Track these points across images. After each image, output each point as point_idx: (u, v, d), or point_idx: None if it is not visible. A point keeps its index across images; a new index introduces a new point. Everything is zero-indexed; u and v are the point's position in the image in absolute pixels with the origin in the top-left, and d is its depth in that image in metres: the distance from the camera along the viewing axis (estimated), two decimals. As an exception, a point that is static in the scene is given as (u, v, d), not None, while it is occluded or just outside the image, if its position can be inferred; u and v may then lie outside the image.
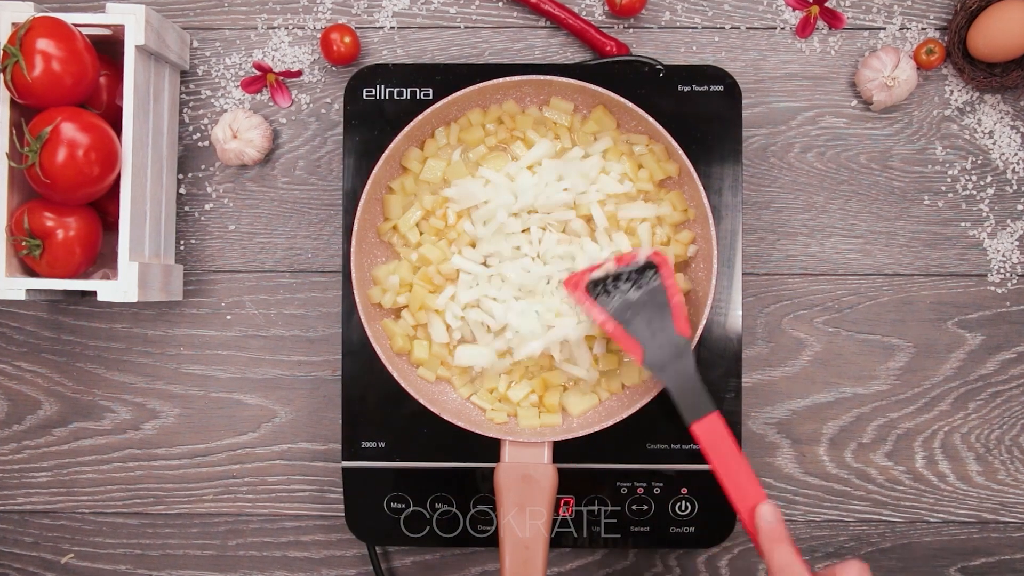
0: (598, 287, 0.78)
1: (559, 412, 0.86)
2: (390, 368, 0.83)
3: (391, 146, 0.84)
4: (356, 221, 0.84)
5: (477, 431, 0.84)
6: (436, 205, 0.86)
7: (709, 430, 0.72)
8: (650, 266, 0.78)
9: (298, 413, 0.96)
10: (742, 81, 0.91)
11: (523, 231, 0.85)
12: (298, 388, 0.96)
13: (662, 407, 0.83)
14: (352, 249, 0.84)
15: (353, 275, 0.84)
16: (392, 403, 0.87)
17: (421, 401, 0.83)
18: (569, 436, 0.84)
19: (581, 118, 0.88)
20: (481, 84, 0.85)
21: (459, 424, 0.84)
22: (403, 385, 0.83)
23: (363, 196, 0.84)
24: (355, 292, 0.84)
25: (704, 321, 0.83)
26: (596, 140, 0.87)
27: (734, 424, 0.88)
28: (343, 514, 0.91)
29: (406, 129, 0.84)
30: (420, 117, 0.84)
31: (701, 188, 0.84)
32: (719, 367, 0.88)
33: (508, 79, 0.85)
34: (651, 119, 0.84)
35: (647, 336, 0.76)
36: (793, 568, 0.67)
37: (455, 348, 0.86)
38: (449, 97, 0.84)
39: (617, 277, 0.79)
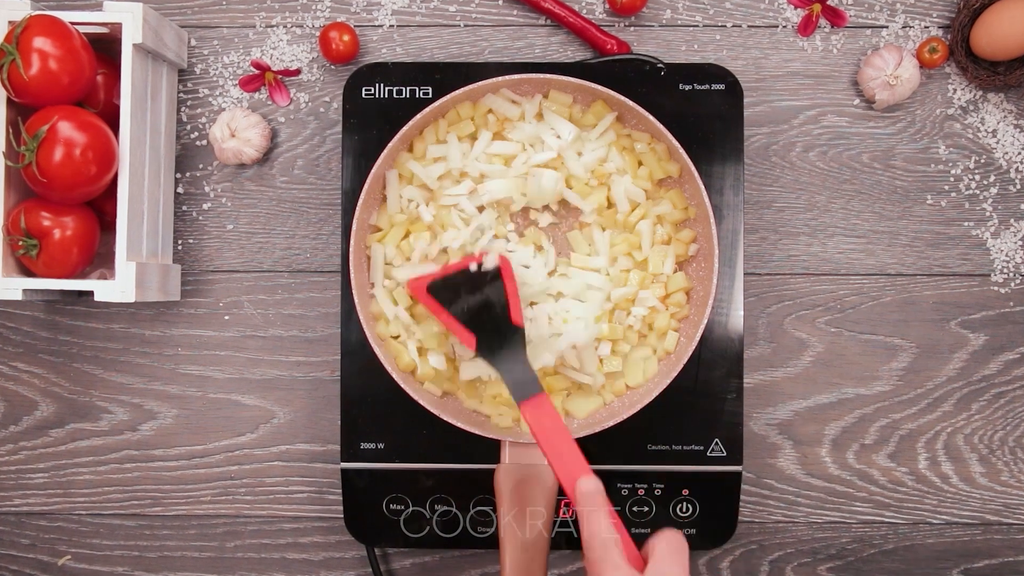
0: (440, 289, 0.81)
1: (563, 416, 0.86)
2: (398, 380, 0.84)
3: (390, 145, 0.84)
4: (355, 220, 0.84)
5: (478, 432, 0.84)
6: (417, 229, 0.87)
7: (536, 410, 0.73)
8: (496, 272, 0.81)
9: (297, 414, 0.96)
10: (744, 80, 0.90)
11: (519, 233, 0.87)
12: (296, 389, 0.96)
13: (663, 408, 0.84)
14: (350, 249, 0.84)
15: (352, 277, 0.84)
16: (391, 404, 0.87)
17: (428, 408, 0.83)
18: (577, 436, 0.83)
19: (580, 110, 0.88)
20: (481, 82, 0.85)
21: (461, 426, 0.84)
22: (411, 393, 0.84)
23: (361, 196, 0.84)
24: (355, 297, 0.84)
25: (706, 321, 0.83)
26: (596, 129, 0.87)
27: (735, 425, 0.88)
28: (342, 515, 0.91)
29: (405, 128, 0.84)
30: (419, 116, 0.84)
31: (703, 187, 0.84)
32: (720, 367, 0.88)
33: (508, 77, 0.85)
34: (652, 118, 0.84)
35: (481, 327, 0.78)
36: (602, 534, 0.66)
37: (460, 364, 0.87)
38: (448, 96, 0.84)
39: (463, 280, 0.81)
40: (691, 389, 0.88)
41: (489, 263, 0.81)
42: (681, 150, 0.84)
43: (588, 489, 0.68)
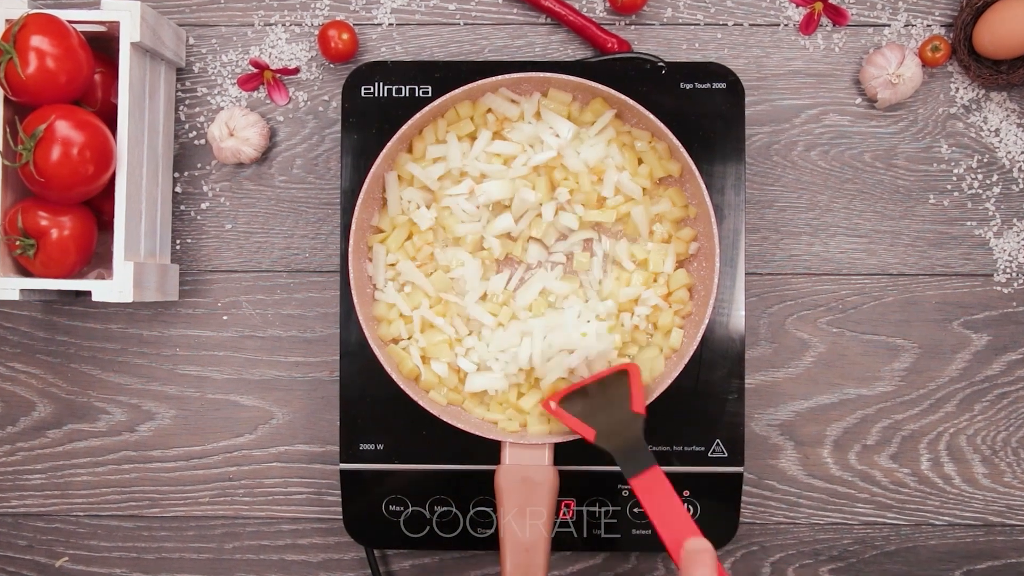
0: (569, 398, 0.84)
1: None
2: (401, 385, 0.84)
3: (388, 145, 0.84)
4: (354, 220, 0.84)
5: (479, 433, 0.84)
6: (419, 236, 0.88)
7: (647, 483, 0.75)
8: (623, 373, 0.83)
9: (296, 415, 0.96)
10: (745, 78, 0.90)
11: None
12: (295, 389, 0.96)
13: (664, 408, 0.84)
14: (350, 249, 0.84)
15: (351, 278, 0.84)
16: (390, 405, 0.87)
17: (430, 411, 0.84)
18: (571, 438, 0.84)
19: (579, 108, 0.88)
20: (480, 81, 0.85)
21: (461, 427, 0.84)
22: (413, 397, 0.84)
23: (360, 196, 0.84)
24: (354, 298, 0.84)
25: (708, 317, 0.83)
26: (596, 125, 0.87)
27: (736, 426, 0.89)
28: (341, 517, 0.91)
29: (404, 128, 0.84)
30: (418, 115, 0.84)
31: (703, 186, 0.84)
32: (721, 368, 0.88)
33: (507, 76, 0.85)
34: (652, 116, 0.84)
35: (602, 421, 0.80)
36: None
37: (467, 377, 0.87)
38: (447, 95, 0.84)
39: (592, 390, 0.84)
40: (692, 390, 0.87)
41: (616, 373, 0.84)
42: (681, 149, 0.84)
43: (698, 547, 0.69)
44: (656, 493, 0.73)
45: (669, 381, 0.84)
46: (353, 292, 0.84)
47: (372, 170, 0.84)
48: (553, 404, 0.82)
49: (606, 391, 0.82)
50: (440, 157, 0.87)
